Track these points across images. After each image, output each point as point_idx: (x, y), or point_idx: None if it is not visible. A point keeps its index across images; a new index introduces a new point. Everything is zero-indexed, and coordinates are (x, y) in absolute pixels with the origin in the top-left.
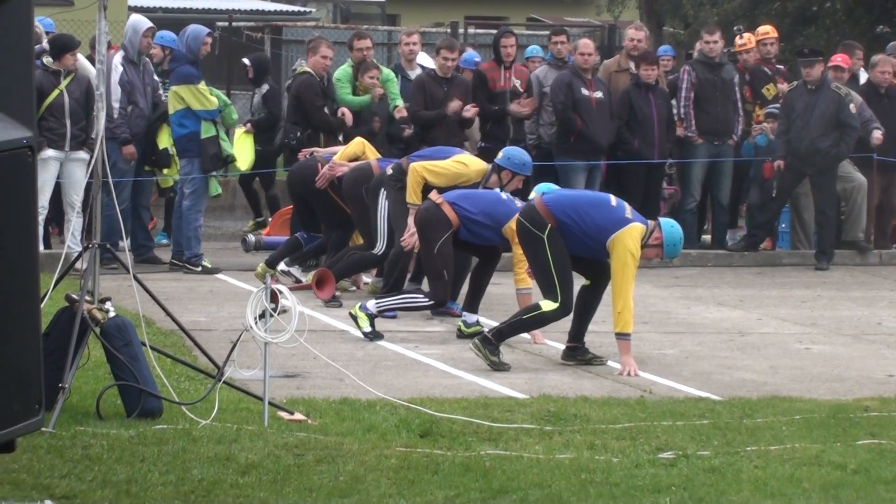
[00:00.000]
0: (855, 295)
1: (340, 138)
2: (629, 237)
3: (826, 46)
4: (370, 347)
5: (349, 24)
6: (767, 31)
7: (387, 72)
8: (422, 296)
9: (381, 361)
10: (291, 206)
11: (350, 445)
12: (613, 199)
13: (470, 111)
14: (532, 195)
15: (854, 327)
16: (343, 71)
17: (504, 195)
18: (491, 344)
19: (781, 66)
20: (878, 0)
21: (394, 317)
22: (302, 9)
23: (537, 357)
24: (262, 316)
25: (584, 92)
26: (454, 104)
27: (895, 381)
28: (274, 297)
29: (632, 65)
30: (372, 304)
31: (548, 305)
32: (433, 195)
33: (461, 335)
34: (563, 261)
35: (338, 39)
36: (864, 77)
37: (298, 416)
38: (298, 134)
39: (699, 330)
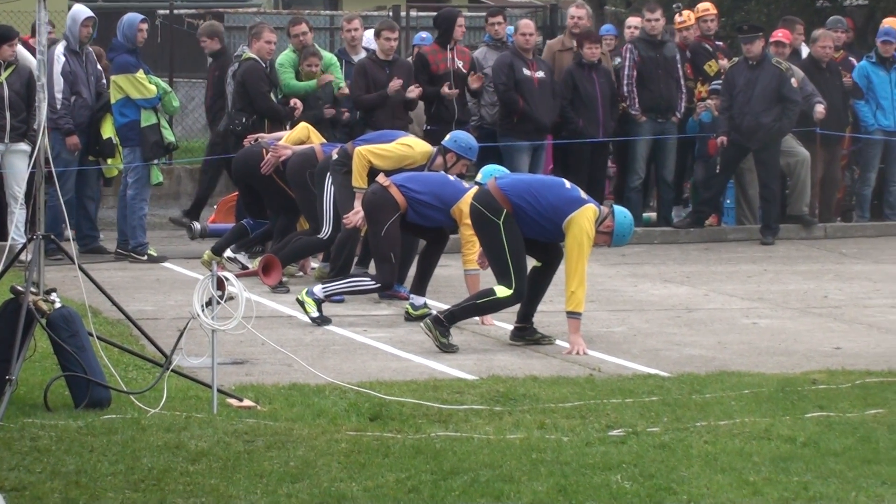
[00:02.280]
0: (801, 269)
1: (287, 126)
2: (584, 218)
3: (766, 22)
4: (318, 332)
5: (291, 10)
6: (707, 7)
7: (328, 56)
8: (368, 279)
9: (330, 346)
10: (236, 193)
11: (300, 430)
12: (567, 183)
13: (413, 91)
14: (478, 177)
15: (800, 301)
16: (286, 56)
17: (451, 177)
18: (442, 325)
19: (721, 43)
20: None
21: (341, 301)
22: None
23: (486, 338)
24: (209, 303)
25: (526, 72)
26: (395, 83)
27: (842, 354)
28: (220, 284)
29: (575, 44)
30: (319, 289)
31: (502, 291)
32: (380, 178)
33: (409, 318)
34: (518, 247)
35: (280, 25)
36: (805, 52)
37: (247, 402)
38: (244, 120)
39: (647, 307)
